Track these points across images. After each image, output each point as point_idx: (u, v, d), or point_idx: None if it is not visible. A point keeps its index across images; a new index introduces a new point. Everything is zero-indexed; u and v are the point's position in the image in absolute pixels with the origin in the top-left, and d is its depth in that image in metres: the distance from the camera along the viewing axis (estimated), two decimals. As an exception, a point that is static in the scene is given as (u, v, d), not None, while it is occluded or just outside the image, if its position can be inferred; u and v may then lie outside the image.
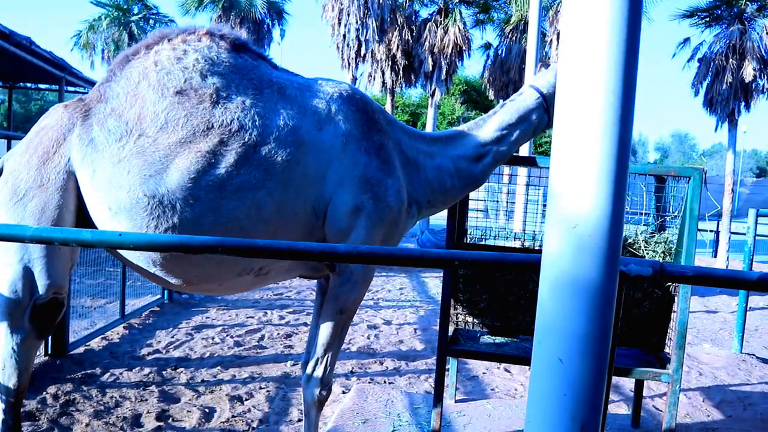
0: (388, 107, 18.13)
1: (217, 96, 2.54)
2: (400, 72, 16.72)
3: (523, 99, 3.16)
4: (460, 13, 15.97)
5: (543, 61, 13.20)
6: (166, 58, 2.57)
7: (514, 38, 15.93)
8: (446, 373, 4.41)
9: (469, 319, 3.88)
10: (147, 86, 2.53)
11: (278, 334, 6.43)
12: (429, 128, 17.41)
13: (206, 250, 1.63)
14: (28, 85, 16.53)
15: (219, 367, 5.15)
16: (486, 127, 3.16)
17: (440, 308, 3.54)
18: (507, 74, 15.94)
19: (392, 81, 17.04)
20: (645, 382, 4.12)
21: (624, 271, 1.58)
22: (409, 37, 16.18)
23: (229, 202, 2.48)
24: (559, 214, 1.14)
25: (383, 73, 16.88)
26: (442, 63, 15.91)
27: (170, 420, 4.01)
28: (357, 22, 14.38)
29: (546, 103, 3.10)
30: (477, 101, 34.84)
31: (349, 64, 15.17)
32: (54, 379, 4.50)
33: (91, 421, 3.86)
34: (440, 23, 15.88)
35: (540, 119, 3.16)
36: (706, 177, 3.17)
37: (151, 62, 2.58)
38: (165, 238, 1.70)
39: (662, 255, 3.40)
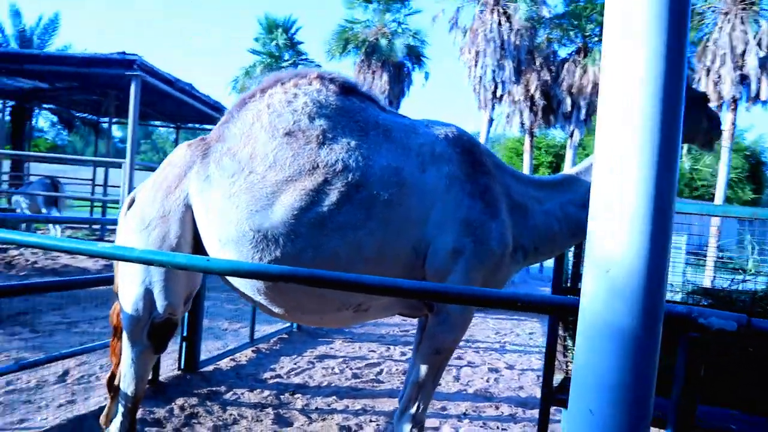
0: (526, 148, 17.89)
1: (323, 137, 2.66)
2: (539, 112, 16.47)
3: None
4: (600, 51, 15.45)
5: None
6: (278, 102, 2.77)
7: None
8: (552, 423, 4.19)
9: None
10: (260, 127, 2.73)
11: (397, 369, 6.49)
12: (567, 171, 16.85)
13: (280, 278, 1.75)
14: (195, 125, 18.46)
15: (334, 397, 5.30)
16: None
17: (545, 354, 3.41)
18: (653, 113, 15.00)
19: (530, 122, 16.82)
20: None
21: (704, 324, 1.47)
22: (548, 78, 15.94)
23: (330, 239, 2.55)
24: (594, 257, 1.10)
25: (521, 114, 16.73)
26: (581, 103, 15.45)
27: (280, 442, 4.21)
28: (493, 64, 14.46)
29: None
30: (625, 141, 33.15)
31: (485, 104, 15.24)
32: (183, 392, 4.90)
33: (209, 435, 4.16)
34: (579, 63, 15.48)
35: None
36: None
37: (264, 105, 2.78)
38: (246, 266, 1.85)
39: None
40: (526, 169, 17.84)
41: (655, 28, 1.07)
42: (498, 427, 4.95)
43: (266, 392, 5.22)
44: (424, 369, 2.81)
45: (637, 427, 1.08)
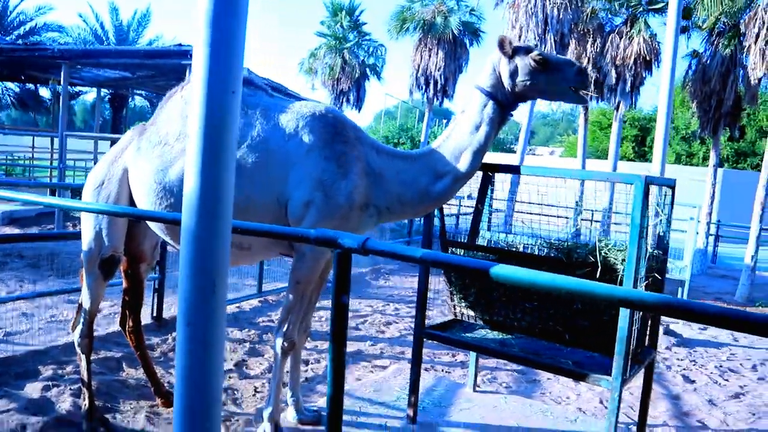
0: (581, 122, 17.81)
1: None
2: (591, 86, 16.24)
3: (472, 106, 3.47)
4: (646, 22, 15.02)
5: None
6: (188, 92, 3.65)
7: (718, 43, 14.40)
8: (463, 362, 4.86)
9: (467, 311, 4.32)
10: (175, 112, 3.61)
11: (379, 321, 7.30)
12: (612, 144, 16.70)
13: (120, 215, 2.63)
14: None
15: (308, 339, 6.20)
16: (446, 147, 3.52)
17: (417, 296, 4.09)
18: (708, 84, 14.49)
19: (582, 95, 16.65)
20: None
21: (340, 243, 2.23)
22: (601, 49, 15.76)
23: None
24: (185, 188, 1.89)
25: (572, 87, 16.58)
26: (627, 75, 15.17)
27: (244, 367, 5.18)
28: (535, 38, 14.56)
29: (492, 95, 3.43)
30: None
31: (530, 79, 15.29)
32: (180, 328, 5.99)
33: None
34: (625, 34, 15.15)
35: (494, 114, 3.44)
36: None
37: (179, 95, 3.67)
38: (100, 207, 2.75)
39: (622, 262, 3.50)
40: (580, 142, 17.79)
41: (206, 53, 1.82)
42: (442, 370, 5.67)
43: (252, 332, 6.23)
44: (290, 296, 3.59)
45: (198, 281, 1.85)
